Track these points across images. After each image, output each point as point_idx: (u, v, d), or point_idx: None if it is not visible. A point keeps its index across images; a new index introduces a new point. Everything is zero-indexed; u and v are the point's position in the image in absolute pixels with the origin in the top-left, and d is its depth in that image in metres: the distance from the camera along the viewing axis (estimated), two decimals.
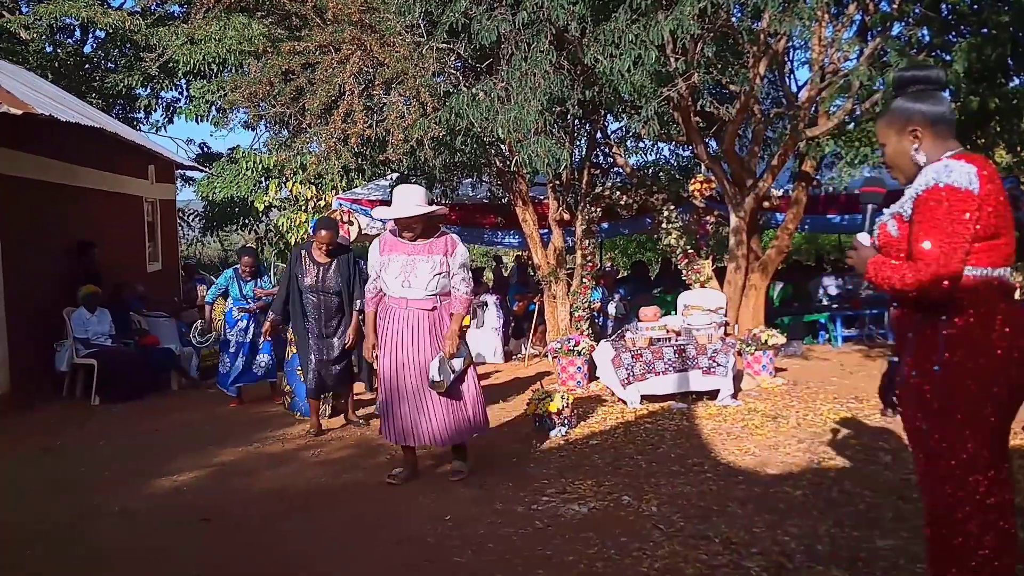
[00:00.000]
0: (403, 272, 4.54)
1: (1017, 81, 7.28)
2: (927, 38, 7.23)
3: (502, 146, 7.91)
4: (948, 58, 6.78)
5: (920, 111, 2.36)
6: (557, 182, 8.89)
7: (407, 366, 4.54)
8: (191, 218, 17.96)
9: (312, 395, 6.10)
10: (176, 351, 8.76)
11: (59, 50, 15.88)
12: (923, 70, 2.42)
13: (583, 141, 9.61)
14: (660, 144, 10.30)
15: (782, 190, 9.60)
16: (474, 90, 6.67)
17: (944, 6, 6.93)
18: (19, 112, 6.85)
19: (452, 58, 7.25)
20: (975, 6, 6.82)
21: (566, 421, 5.68)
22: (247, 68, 8.20)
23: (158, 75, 13.55)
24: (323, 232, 6.01)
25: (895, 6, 7.06)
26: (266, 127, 9.37)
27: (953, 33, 7.14)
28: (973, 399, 2.24)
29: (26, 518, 4.31)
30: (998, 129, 7.34)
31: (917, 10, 6.89)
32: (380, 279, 4.64)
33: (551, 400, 5.65)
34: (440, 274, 4.53)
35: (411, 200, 4.56)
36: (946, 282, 2.22)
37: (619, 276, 13.16)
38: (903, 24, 7.22)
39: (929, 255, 2.22)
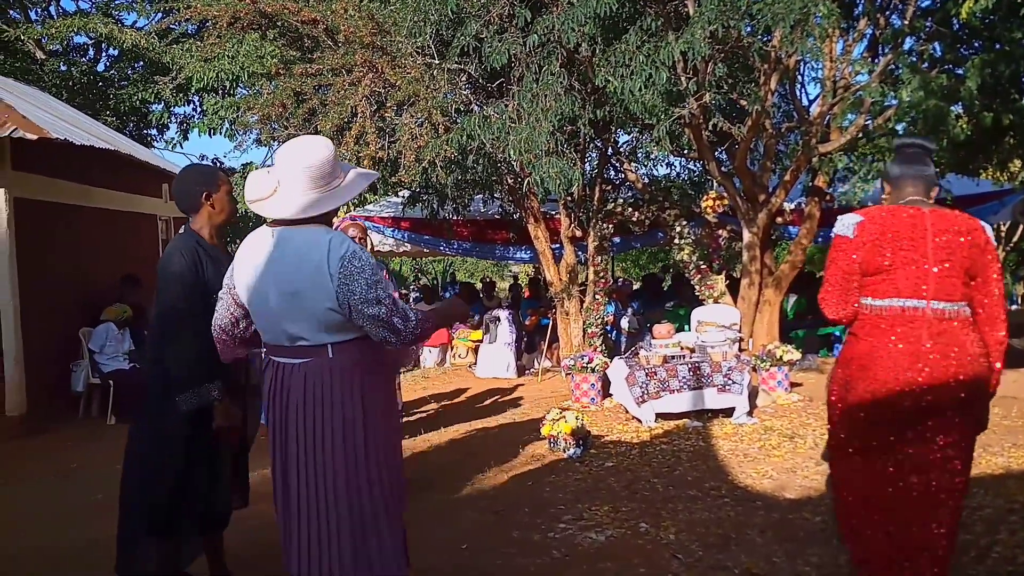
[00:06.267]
0: None
1: None
2: (939, 53, 7.21)
3: (514, 163, 7.94)
4: (961, 73, 6.75)
5: (893, 175, 2.85)
6: (569, 198, 8.90)
7: None
8: None
9: (159, 528, 3.23)
10: None
11: (73, 69, 16.02)
12: (905, 143, 2.90)
13: (594, 155, 9.63)
14: (672, 158, 10.31)
15: (795, 203, 9.59)
16: (486, 111, 6.70)
17: (956, 21, 6.91)
18: (34, 137, 6.92)
19: (463, 79, 7.28)
20: (987, 21, 6.80)
21: (581, 442, 5.67)
22: (260, 89, 8.25)
23: (172, 92, 13.66)
24: (222, 188, 3.38)
25: (906, 22, 7.05)
26: (279, 146, 9.42)
27: (965, 48, 7.12)
28: (846, 404, 2.76)
29: (45, 543, 4.34)
30: (1012, 143, 7.31)
31: (929, 25, 6.88)
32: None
33: (565, 421, 5.64)
34: None
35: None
36: (827, 314, 2.80)
37: (633, 290, 13.13)
38: (915, 40, 7.21)
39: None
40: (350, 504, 2.58)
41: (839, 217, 2.82)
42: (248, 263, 2.65)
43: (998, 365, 2.73)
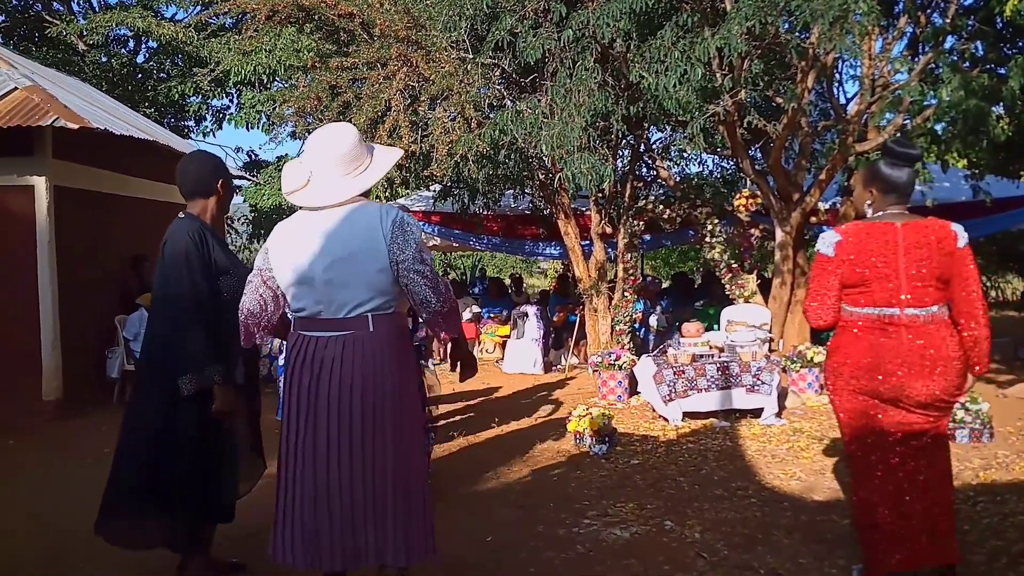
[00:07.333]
0: None
1: None
2: (981, 52, 7.06)
3: (545, 159, 7.93)
4: (1003, 73, 6.61)
5: (883, 177, 2.98)
6: (600, 195, 8.88)
7: None
8: (239, 223, 18.32)
9: (170, 507, 3.22)
10: None
11: (113, 61, 16.27)
12: (904, 147, 3.00)
13: (626, 152, 9.58)
14: (705, 155, 10.23)
15: (830, 203, 9.46)
16: (519, 106, 6.70)
17: (999, 20, 6.76)
18: (75, 126, 7.04)
19: (497, 74, 7.29)
20: None
21: (607, 439, 5.66)
22: (296, 82, 8.34)
23: (209, 85, 13.85)
24: (231, 178, 3.51)
25: (948, 20, 6.92)
26: None
27: (1009, 47, 6.96)
28: (835, 391, 3.06)
29: (81, 526, 4.41)
30: None
31: (971, 24, 6.74)
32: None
33: (592, 418, 5.63)
34: None
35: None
36: (809, 321, 3.07)
37: (662, 287, 13.06)
38: (956, 38, 7.07)
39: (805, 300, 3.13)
40: (396, 472, 2.63)
41: (821, 235, 3.07)
42: (290, 242, 2.71)
43: (974, 355, 2.93)
